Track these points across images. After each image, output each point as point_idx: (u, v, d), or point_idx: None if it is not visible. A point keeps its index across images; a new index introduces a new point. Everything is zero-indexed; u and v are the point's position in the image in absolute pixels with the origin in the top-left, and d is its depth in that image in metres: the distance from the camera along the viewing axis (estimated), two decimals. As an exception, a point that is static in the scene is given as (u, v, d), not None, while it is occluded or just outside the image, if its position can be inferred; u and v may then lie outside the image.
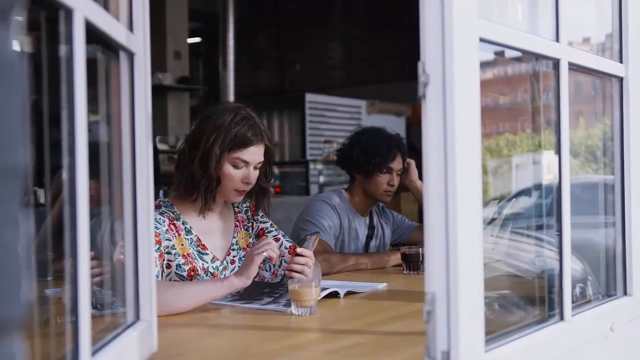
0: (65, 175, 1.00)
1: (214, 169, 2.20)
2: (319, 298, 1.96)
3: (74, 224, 1.01)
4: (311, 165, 7.48)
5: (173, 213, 2.25)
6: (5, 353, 0.58)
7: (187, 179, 2.24)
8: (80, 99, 1.01)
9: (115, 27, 1.23)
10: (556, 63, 1.55)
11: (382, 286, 2.39)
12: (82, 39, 1.02)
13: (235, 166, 2.23)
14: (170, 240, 2.18)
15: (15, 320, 0.59)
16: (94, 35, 1.11)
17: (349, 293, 2.22)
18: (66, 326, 1.04)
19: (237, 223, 2.41)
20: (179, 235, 2.22)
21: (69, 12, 0.99)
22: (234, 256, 2.36)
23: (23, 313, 0.60)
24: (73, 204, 1.01)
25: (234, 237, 2.38)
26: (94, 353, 1.09)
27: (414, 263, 2.69)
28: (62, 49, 1.01)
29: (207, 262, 2.26)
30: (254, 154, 2.24)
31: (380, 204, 3.25)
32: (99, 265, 1.36)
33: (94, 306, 1.22)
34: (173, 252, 2.18)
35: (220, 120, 2.21)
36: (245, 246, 2.40)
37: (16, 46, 0.62)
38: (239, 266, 2.32)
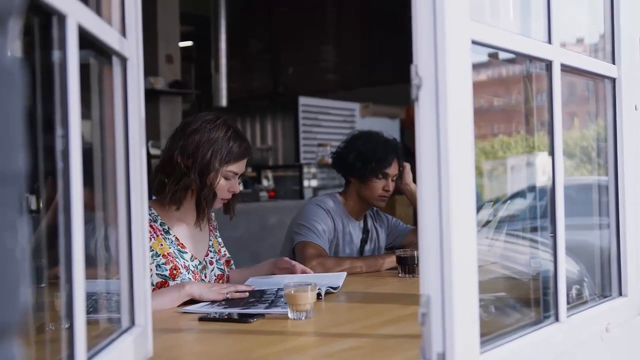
0: (59, 181, 1.00)
1: (212, 182, 2.28)
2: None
3: (69, 230, 1.00)
4: (305, 169, 7.45)
5: (150, 215, 2.28)
6: (5, 356, 0.59)
7: (183, 189, 2.29)
8: (74, 105, 1.01)
9: (108, 32, 1.23)
10: (549, 65, 1.55)
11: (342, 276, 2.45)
12: (76, 45, 1.02)
13: (226, 178, 2.33)
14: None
15: (14, 325, 0.60)
16: (86, 40, 1.11)
17: (328, 293, 2.24)
18: (59, 332, 1.03)
19: (211, 228, 2.52)
20: (158, 236, 2.28)
21: (62, 18, 0.99)
22: (211, 257, 2.46)
23: (22, 318, 0.61)
24: (67, 210, 1.00)
25: (210, 240, 2.48)
26: (90, 359, 1.09)
27: (409, 266, 2.69)
28: (55, 55, 1.01)
29: (187, 261, 2.33)
30: (244, 166, 2.38)
31: (375, 208, 3.25)
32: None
33: (87, 311, 1.22)
34: (151, 253, 2.22)
35: (214, 134, 2.29)
36: (217, 250, 2.50)
37: (14, 53, 0.62)
38: (217, 267, 2.45)
